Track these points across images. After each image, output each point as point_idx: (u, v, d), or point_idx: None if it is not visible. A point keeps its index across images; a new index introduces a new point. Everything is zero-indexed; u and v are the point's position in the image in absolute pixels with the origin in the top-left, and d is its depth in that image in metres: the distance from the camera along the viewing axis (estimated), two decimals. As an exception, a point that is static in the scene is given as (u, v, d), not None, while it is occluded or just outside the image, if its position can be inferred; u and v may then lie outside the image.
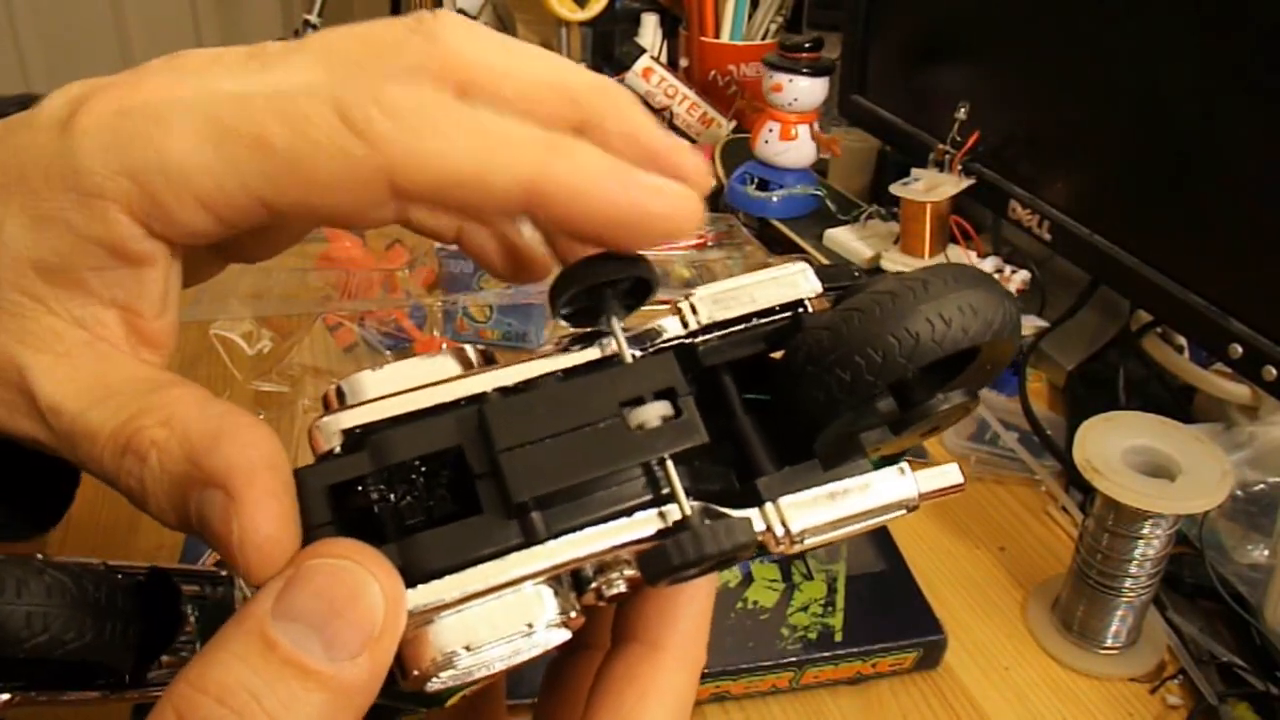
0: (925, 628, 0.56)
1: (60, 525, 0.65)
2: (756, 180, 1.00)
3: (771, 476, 0.25)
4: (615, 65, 1.18)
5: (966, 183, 0.81)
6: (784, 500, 0.24)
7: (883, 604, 0.57)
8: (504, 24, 1.25)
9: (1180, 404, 0.74)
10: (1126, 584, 0.55)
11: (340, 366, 0.82)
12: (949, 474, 0.26)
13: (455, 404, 0.23)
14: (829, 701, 0.55)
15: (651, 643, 0.27)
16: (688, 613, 0.27)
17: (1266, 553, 0.60)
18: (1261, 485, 0.62)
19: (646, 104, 1.14)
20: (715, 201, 1.04)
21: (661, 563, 0.23)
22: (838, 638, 0.54)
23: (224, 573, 0.30)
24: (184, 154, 0.21)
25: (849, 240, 0.91)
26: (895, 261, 0.85)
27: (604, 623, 0.29)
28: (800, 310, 0.27)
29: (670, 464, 0.24)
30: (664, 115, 1.14)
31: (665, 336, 0.26)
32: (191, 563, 0.62)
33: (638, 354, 0.25)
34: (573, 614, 0.23)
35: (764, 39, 1.18)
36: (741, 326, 0.26)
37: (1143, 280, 0.65)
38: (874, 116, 0.94)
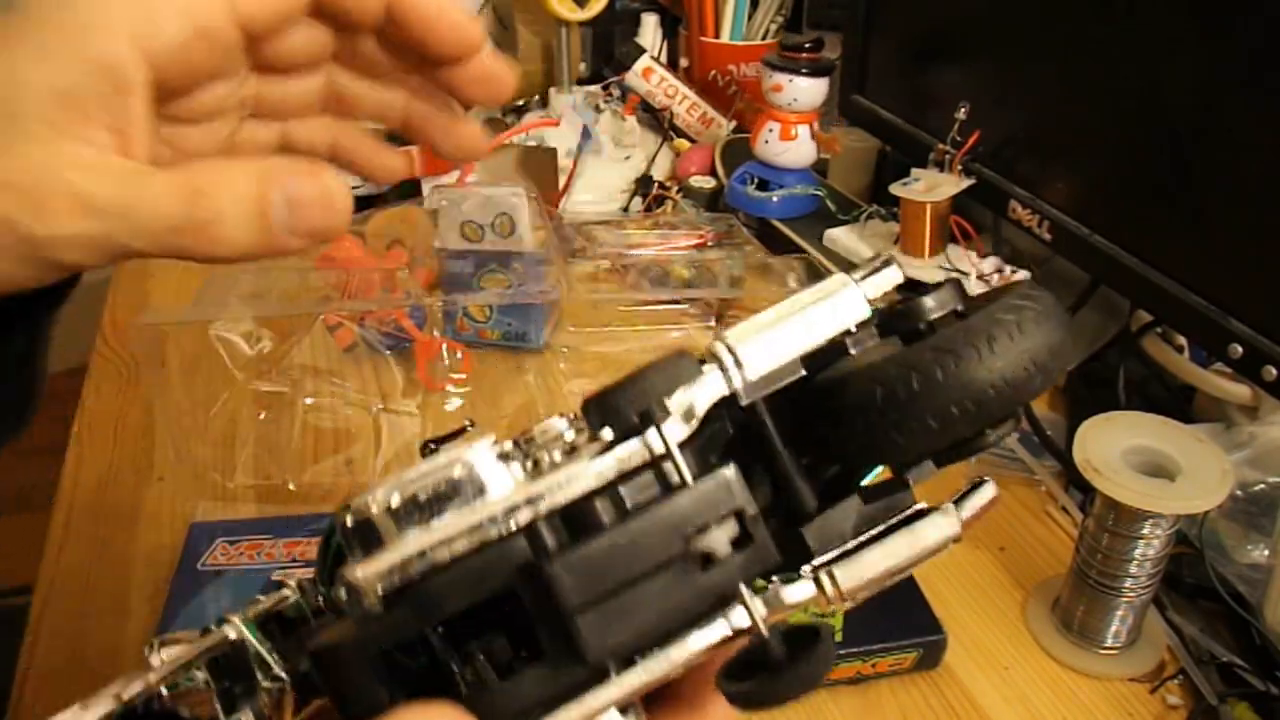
0: (925, 628, 0.56)
1: (62, 526, 0.65)
2: (756, 180, 1.00)
3: (818, 524, 0.24)
4: (615, 65, 1.19)
5: (966, 183, 0.81)
6: (838, 569, 0.23)
7: (882, 604, 0.57)
8: (503, 23, 1.25)
9: (1180, 404, 0.74)
10: (1126, 584, 0.55)
11: (340, 366, 0.82)
12: (985, 493, 0.25)
13: (501, 540, 0.22)
14: (829, 701, 0.55)
15: (693, 703, 0.26)
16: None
17: (1266, 553, 0.60)
18: (1261, 485, 0.62)
19: (646, 104, 1.14)
20: (715, 201, 1.04)
21: (749, 699, 0.22)
22: (838, 638, 0.54)
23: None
24: None
25: (849, 240, 0.91)
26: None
27: None
28: (848, 337, 0.25)
29: (745, 589, 0.23)
30: (664, 115, 1.14)
31: (708, 392, 0.23)
32: (194, 558, 0.61)
33: (692, 474, 0.23)
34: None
35: (764, 39, 1.18)
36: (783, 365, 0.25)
37: (1143, 280, 0.65)
38: (874, 116, 0.94)
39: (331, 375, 0.81)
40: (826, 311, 0.24)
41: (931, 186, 0.82)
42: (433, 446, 0.29)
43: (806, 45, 0.93)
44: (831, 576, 0.23)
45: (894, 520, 0.24)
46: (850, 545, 0.24)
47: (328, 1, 0.31)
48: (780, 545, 0.23)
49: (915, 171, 0.84)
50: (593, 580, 0.22)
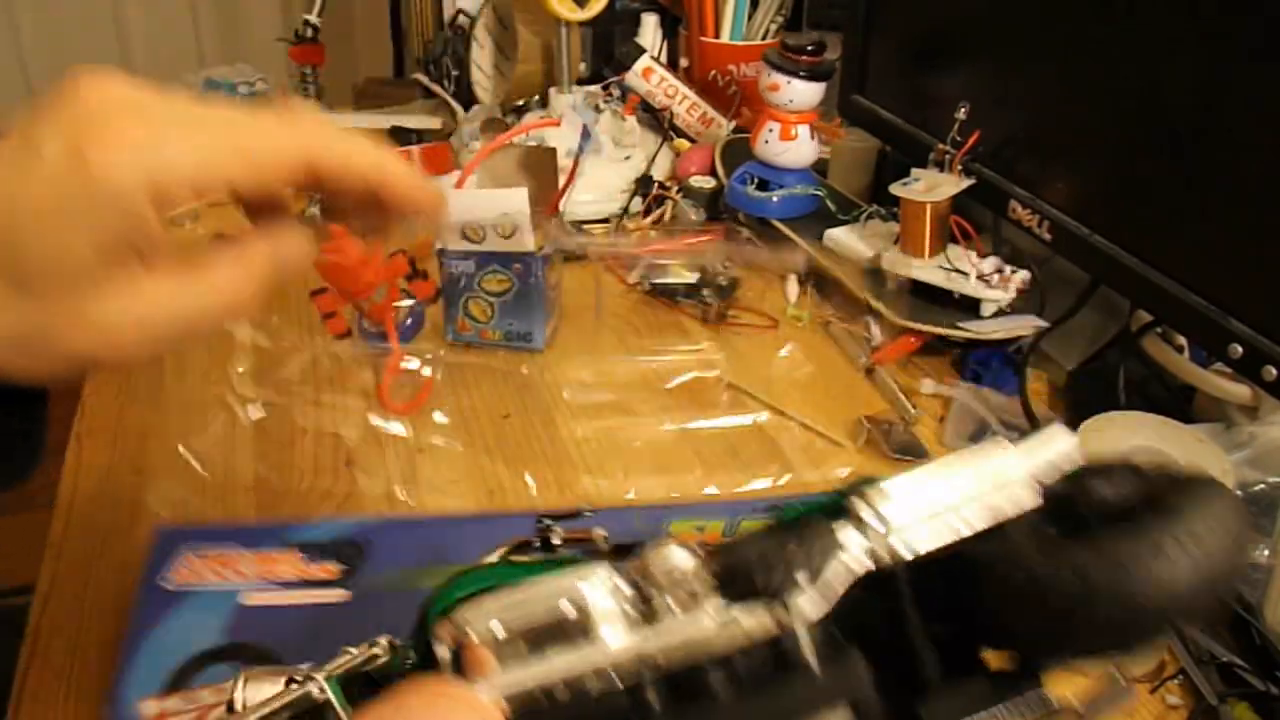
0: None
1: (62, 526, 0.65)
2: (756, 180, 1.00)
3: (936, 701, 0.23)
4: (615, 65, 1.19)
5: (966, 183, 0.81)
6: None
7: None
8: (504, 24, 1.25)
9: (1180, 404, 0.74)
10: (1126, 584, 0.55)
11: (340, 366, 0.82)
12: (1121, 699, 0.23)
13: (607, 696, 0.21)
14: (829, 701, 0.55)
15: None
16: None
17: (1266, 553, 0.60)
18: (1261, 485, 0.62)
19: (646, 104, 1.14)
20: (715, 201, 1.04)
21: None
22: None
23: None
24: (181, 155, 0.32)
25: (849, 240, 0.91)
26: (895, 261, 0.85)
27: None
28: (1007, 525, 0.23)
29: None
30: (664, 115, 1.14)
31: (850, 573, 0.22)
32: (158, 570, 0.60)
33: (815, 659, 0.21)
34: None
35: (764, 39, 1.18)
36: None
37: (1143, 280, 0.65)
38: (874, 116, 0.94)
39: (331, 375, 0.82)
40: (996, 497, 0.22)
41: (931, 186, 0.82)
42: (547, 523, 0.28)
43: (809, 47, 0.93)
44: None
45: (1018, 709, 0.23)
46: None
47: (314, 181, 0.36)
48: (894, 712, 0.22)
49: (915, 171, 0.84)
50: None
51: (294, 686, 0.27)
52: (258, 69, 1.34)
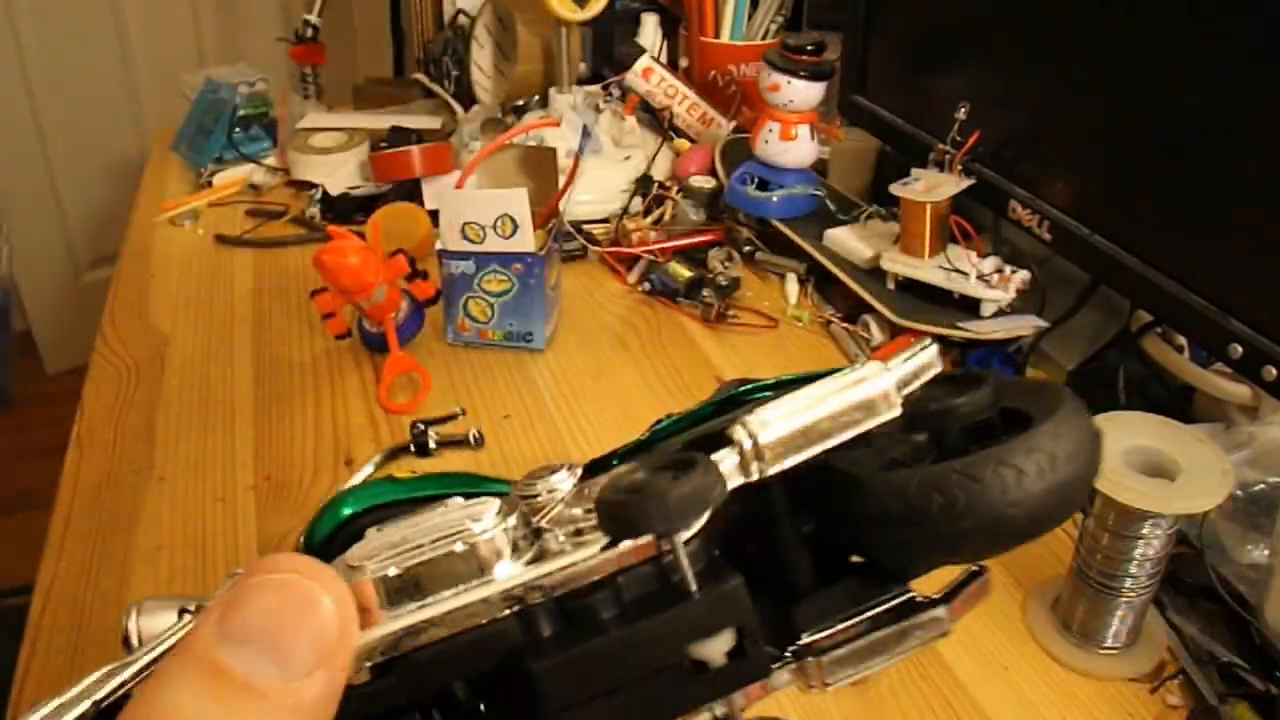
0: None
1: (62, 526, 0.65)
2: (756, 180, 0.99)
3: (809, 604, 0.24)
4: (615, 65, 1.19)
5: (966, 183, 0.81)
6: (823, 659, 0.23)
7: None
8: (504, 24, 1.25)
9: (1180, 404, 0.74)
10: (1126, 584, 0.55)
11: (341, 365, 0.82)
12: (979, 586, 0.25)
13: (495, 622, 0.21)
14: (829, 701, 0.55)
15: None
16: None
17: (1266, 553, 0.60)
18: (1261, 485, 0.62)
19: (646, 104, 1.14)
20: (715, 201, 1.04)
21: None
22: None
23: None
24: None
25: (849, 240, 0.91)
26: (895, 261, 0.85)
27: None
28: (871, 432, 0.24)
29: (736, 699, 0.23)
30: (664, 115, 1.14)
31: (724, 489, 0.22)
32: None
33: (698, 586, 0.22)
34: None
35: (764, 39, 1.18)
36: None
37: (1143, 280, 0.65)
38: (874, 116, 0.94)
39: (331, 375, 0.82)
40: (859, 410, 0.23)
41: (931, 186, 0.82)
42: (421, 428, 0.29)
43: (809, 48, 0.93)
44: (818, 665, 0.23)
45: (885, 608, 0.24)
46: (839, 629, 0.24)
47: None
48: (769, 621, 0.23)
49: (915, 171, 0.84)
50: (580, 683, 0.21)
51: (187, 617, 0.26)
52: (258, 69, 1.34)
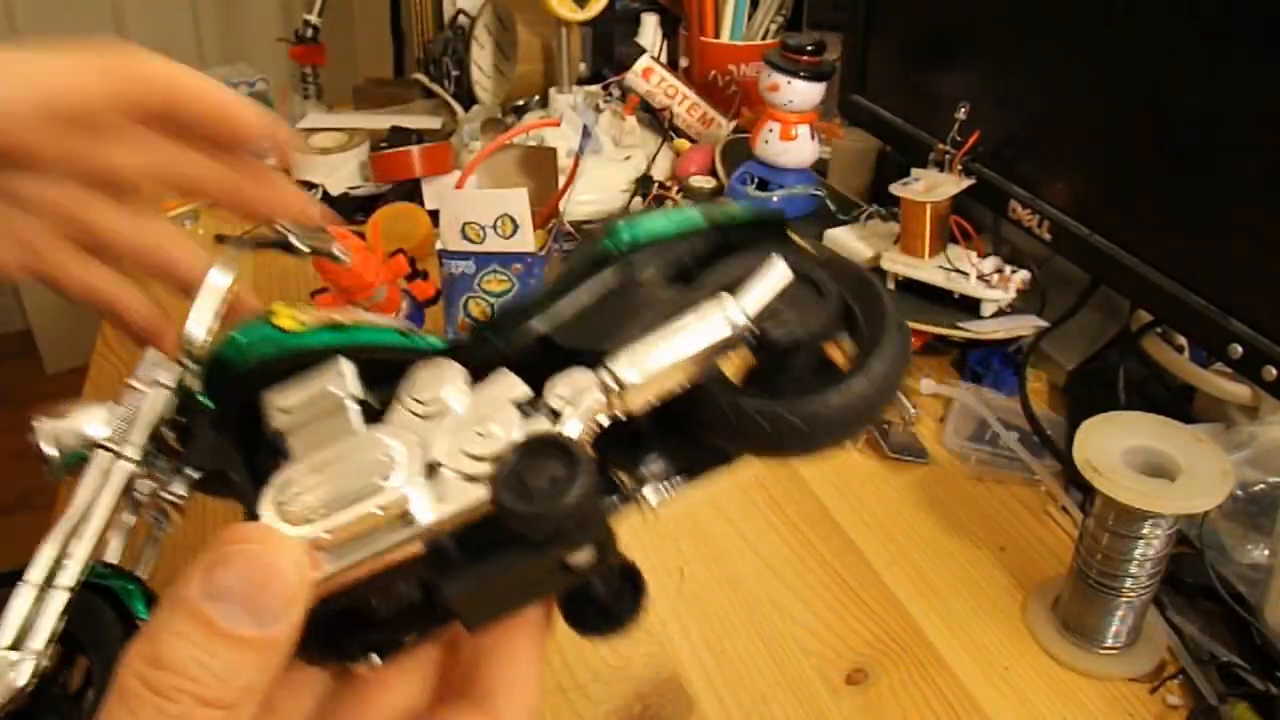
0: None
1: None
2: (756, 180, 1.00)
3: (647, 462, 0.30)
4: (615, 65, 1.19)
5: (966, 183, 0.81)
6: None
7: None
8: (504, 24, 1.24)
9: (1180, 404, 0.74)
10: (1126, 584, 0.55)
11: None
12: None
13: (408, 557, 0.26)
14: (829, 701, 0.55)
15: (481, 699, 0.28)
16: (519, 666, 0.29)
17: (1266, 553, 0.60)
18: (1261, 485, 0.62)
19: (646, 104, 1.14)
20: (715, 201, 1.04)
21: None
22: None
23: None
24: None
25: (849, 240, 0.91)
26: (895, 261, 0.85)
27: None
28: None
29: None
30: (664, 115, 1.14)
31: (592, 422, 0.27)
32: None
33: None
34: None
35: (764, 39, 1.18)
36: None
37: (1143, 280, 0.65)
38: (874, 116, 0.94)
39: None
40: (718, 349, 0.28)
41: (931, 186, 0.82)
42: (283, 227, 0.41)
43: (809, 48, 0.93)
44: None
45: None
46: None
47: (167, 107, 0.37)
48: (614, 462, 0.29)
49: (915, 171, 0.84)
50: (483, 599, 0.27)
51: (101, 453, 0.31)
52: (258, 69, 1.34)
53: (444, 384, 0.28)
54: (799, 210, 0.99)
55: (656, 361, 0.27)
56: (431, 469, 0.26)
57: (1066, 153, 0.73)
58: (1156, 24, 0.63)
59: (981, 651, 0.58)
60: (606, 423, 0.27)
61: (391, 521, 0.25)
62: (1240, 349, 0.58)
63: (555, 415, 0.26)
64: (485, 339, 0.29)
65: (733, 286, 0.28)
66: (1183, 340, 0.72)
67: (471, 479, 0.26)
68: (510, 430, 0.26)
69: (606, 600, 0.30)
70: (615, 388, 0.26)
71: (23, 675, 0.27)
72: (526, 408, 0.27)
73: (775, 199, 0.98)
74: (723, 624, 0.59)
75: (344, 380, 0.28)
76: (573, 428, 0.26)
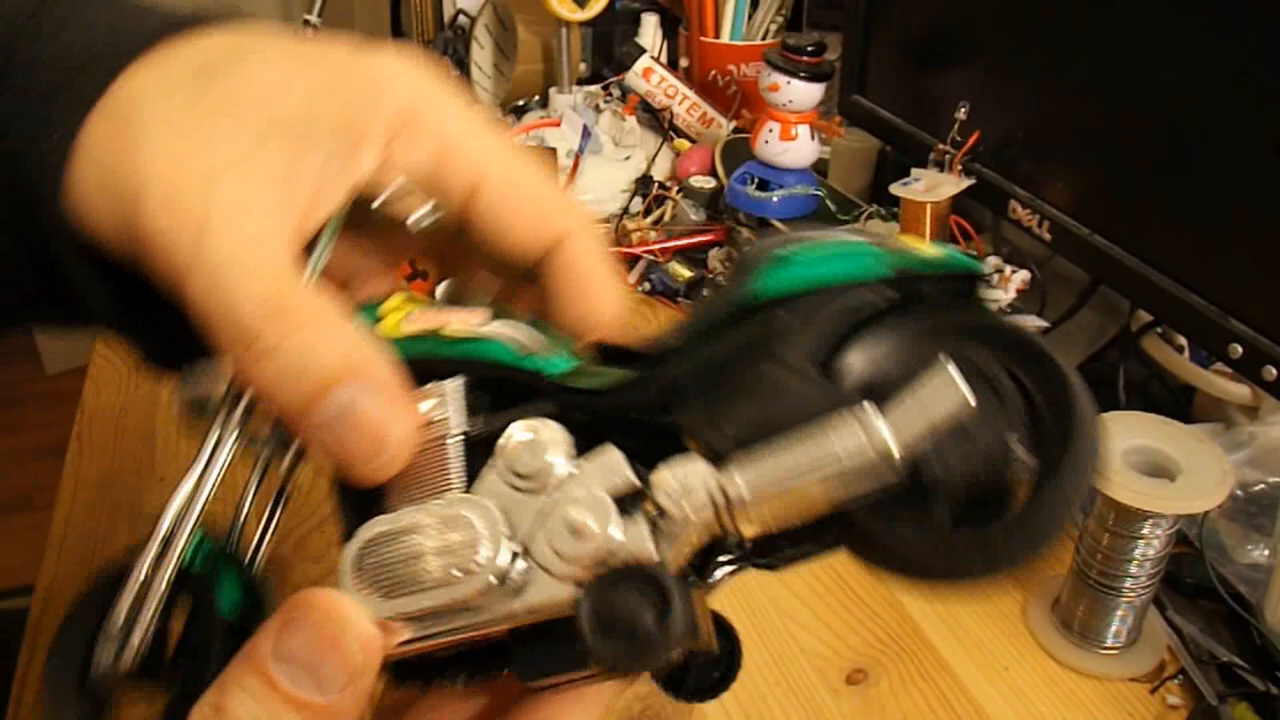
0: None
1: (62, 526, 0.65)
2: (756, 180, 1.00)
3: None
4: (615, 65, 1.18)
5: (966, 183, 0.81)
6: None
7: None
8: (504, 24, 1.24)
9: (1180, 404, 0.74)
10: (1126, 584, 0.55)
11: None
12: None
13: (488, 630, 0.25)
14: (829, 701, 0.55)
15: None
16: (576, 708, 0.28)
17: (1266, 553, 0.60)
18: (1261, 485, 0.62)
19: (646, 104, 1.14)
20: (715, 201, 1.04)
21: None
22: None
23: None
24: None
25: (849, 240, 0.91)
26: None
27: None
28: None
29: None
30: (664, 115, 1.14)
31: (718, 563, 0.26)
32: None
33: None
34: None
35: (764, 39, 1.18)
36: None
37: (1143, 280, 0.65)
38: (874, 116, 0.94)
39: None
40: (829, 467, 0.23)
41: (931, 186, 0.82)
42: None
43: (809, 48, 0.93)
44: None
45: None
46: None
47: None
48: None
49: (915, 171, 0.84)
50: (550, 667, 0.26)
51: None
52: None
53: (543, 455, 0.25)
54: (799, 210, 0.99)
55: (778, 483, 0.23)
56: (517, 555, 0.25)
57: (1066, 153, 0.73)
58: (1156, 23, 0.63)
59: (981, 651, 0.58)
60: (708, 541, 0.24)
61: (472, 605, 0.24)
62: (1240, 349, 0.58)
63: (659, 514, 0.24)
64: (603, 378, 0.27)
65: (886, 387, 0.23)
66: (1183, 340, 0.72)
67: (558, 578, 0.24)
68: (606, 529, 0.24)
69: (700, 668, 0.29)
70: (726, 502, 0.23)
71: (125, 660, 0.27)
72: (628, 504, 0.24)
73: (775, 199, 0.98)
74: (723, 624, 0.59)
75: (448, 410, 0.26)
76: (671, 553, 0.24)
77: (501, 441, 0.25)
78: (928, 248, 0.26)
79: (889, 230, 0.90)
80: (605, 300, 0.32)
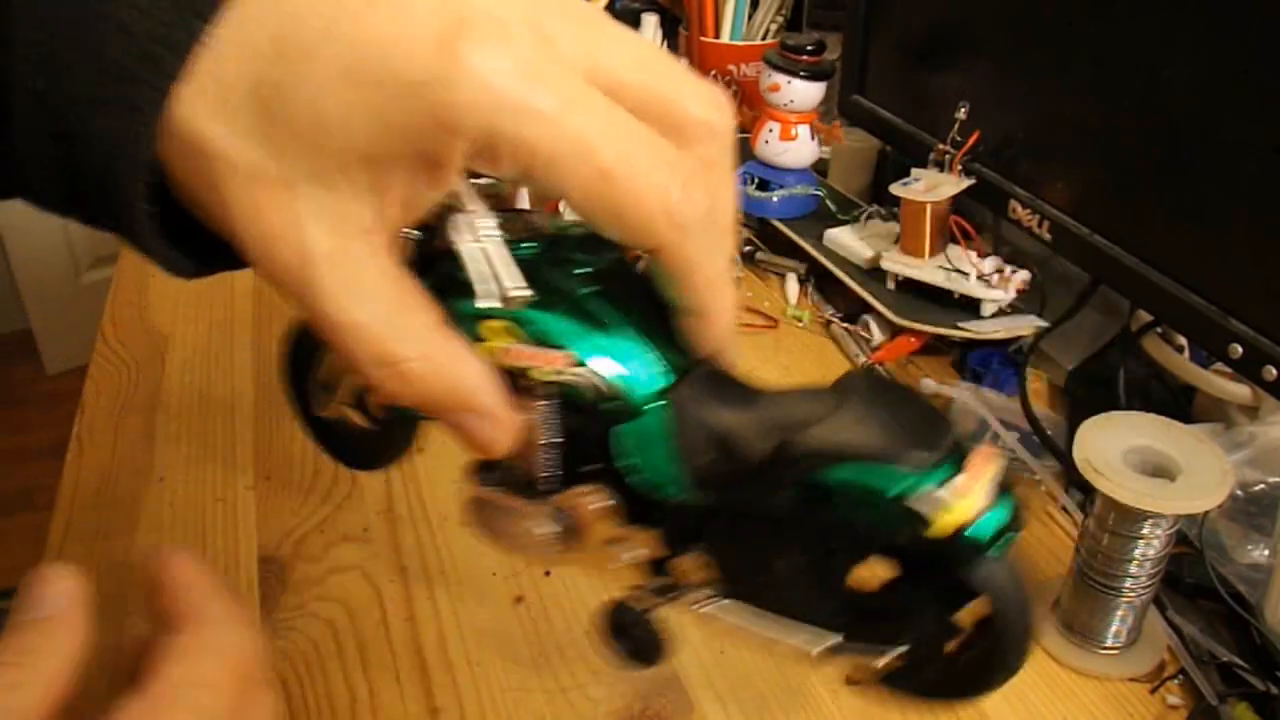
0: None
1: (62, 526, 0.65)
2: (756, 180, 1.00)
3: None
4: (615, 65, 1.18)
5: (966, 183, 0.81)
6: None
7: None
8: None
9: (1180, 404, 0.74)
10: (1126, 584, 0.55)
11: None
12: None
13: None
14: (829, 701, 0.55)
15: (181, 624, 0.30)
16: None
17: (1266, 553, 0.60)
18: (1261, 485, 0.62)
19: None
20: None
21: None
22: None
23: None
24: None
25: (849, 240, 0.91)
26: (895, 261, 0.85)
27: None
28: None
29: None
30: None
31: None
32: None
33: None
34: None
35: (764, 39, 1.18)
36: None
37: (1143, 280, 0.65)
38: (874, 116, 0.94)
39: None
40: None
41: (931, 186, 0.82)
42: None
43: (809, 48, 0.93)
44: None
45: None
46: None
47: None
48: None
49: (915, 171, 0.84)
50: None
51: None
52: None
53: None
54: (799, 210, 0.99)
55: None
56: None
57: (1066, 153, 0.73)
58: (1156, 23, 0.63)
59: (981, 651, 0.58)
60: None
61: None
62: (1240, 349, 0.58)
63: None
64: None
65: None
66: (1183, 340, 0.72)
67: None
68: None
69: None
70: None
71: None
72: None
73: (775, 199, 0.98)
74: (723, 624, 0.59)
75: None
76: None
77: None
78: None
79: (889, 231, 0.90)
80: (704, 308, 0.32)
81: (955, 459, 0.31)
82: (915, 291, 0.85)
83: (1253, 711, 0.53)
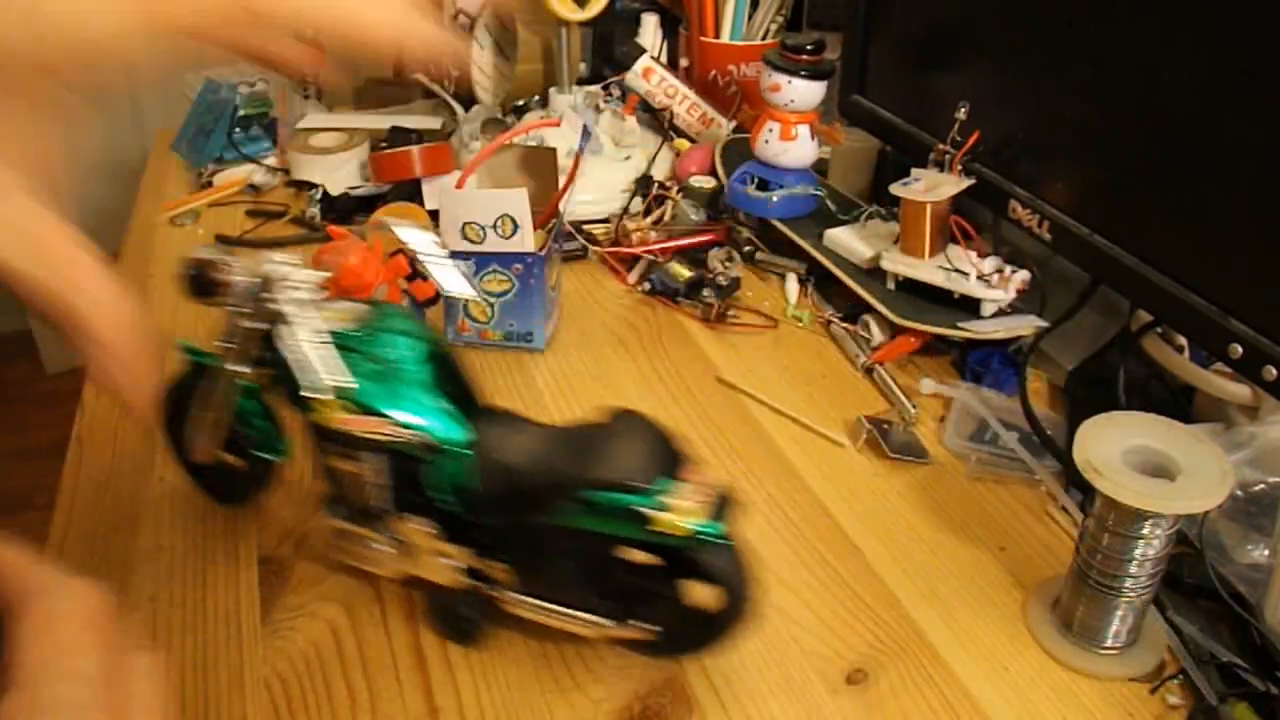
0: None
1: (62, 526, 0.65)
2: (756, 180, 1.00)
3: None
4: (615, 65, 1.18)
5: (966, 183, 0.81)
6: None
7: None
8: (504, 24, 1.24)
9: (1180, 404, 0.74)
10: (1126, 584, 0.55)
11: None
12: None
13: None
14: (829, 701, 0.55)
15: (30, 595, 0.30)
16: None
17: (1266, 553, 0.60)
18: (1261, 485, 0.62)
19: (646, 104, 1.14)
20: (715, 201, 1.04)
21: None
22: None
23: None
24: None
25: (849, 240, 0.91)
26: (895, 261, 0.85)
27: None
28: None
29: None
30: (664, 115, 1.14)
31: None
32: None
33: None
34: None
35: (764, 39, 1.18)
36: None
37: (1143, 280, 0.65)
38: (874, 116, 0.94)
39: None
40: None
41: (931, 186, 0.82)
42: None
43: (809, 47, 0.93)
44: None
45: None
46: None
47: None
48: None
49: (915, 171, 0.84)
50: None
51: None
52: (258, 69, 1.33)
53: None
54: (799, 210, 0.99)
55: None
56: None
57: (1066, 153, 0.73)
58: (1156, 23, 0.63)
59: (981, 651, 0.58)
60: None
61: None
62: (1240, 349, 0.58)
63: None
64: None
65: None
66: (1183, 340, 0.72)
67: None
68: None
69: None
70: None
71: None
72: None
73: (775, 199, 0.98)
74: (723, 624, 0.59)
75: None
76: None
77: None
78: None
79: (889, 231, 0.90)
80: None
81: (680, 482, 0.47)
82: (915, 291, 0.85)
83: (1253, 711, 0.53)
